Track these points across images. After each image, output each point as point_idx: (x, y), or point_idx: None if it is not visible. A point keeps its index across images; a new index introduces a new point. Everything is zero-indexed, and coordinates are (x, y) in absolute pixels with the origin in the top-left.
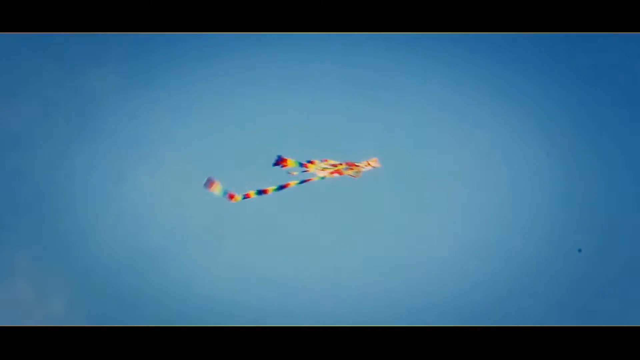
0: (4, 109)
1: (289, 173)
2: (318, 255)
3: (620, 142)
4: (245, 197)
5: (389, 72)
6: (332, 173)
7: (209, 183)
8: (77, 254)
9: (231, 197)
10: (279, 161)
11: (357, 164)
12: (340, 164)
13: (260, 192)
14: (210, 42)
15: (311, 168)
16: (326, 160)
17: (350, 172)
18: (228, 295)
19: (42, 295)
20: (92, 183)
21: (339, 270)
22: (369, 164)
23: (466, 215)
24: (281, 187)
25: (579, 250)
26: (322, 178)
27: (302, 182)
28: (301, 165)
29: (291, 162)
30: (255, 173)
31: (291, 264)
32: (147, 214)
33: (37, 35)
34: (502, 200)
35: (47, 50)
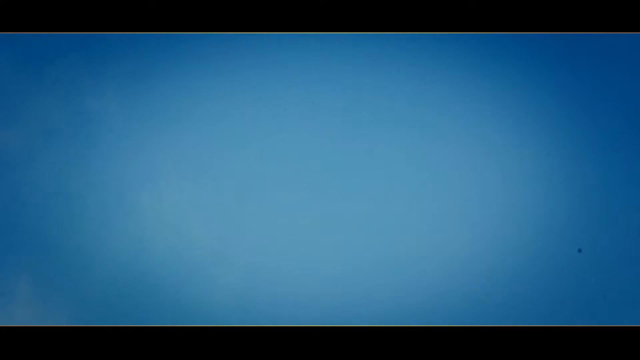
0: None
1: None
2: (320, 255)
3: (621, 141)
4: None
5: (386, 71)
6: None
7: None
8: (79, 259)
9: None
10: None
11: None
12: None
13: None
14: (211, 42)
15: None
16: None
17: None
18: (228, 295)
19: (42, 295)
20: (95, 195)
21: (339, 270)
22: None
23: (465, 214)
24: None
25: (579, 250)
26: None
27: None
28: None
29: None
30: (259, 187)
31: (292, 263)
32: (150, 225)
33: (35, 35)
34: (502, 199)
35: (44, 53)
